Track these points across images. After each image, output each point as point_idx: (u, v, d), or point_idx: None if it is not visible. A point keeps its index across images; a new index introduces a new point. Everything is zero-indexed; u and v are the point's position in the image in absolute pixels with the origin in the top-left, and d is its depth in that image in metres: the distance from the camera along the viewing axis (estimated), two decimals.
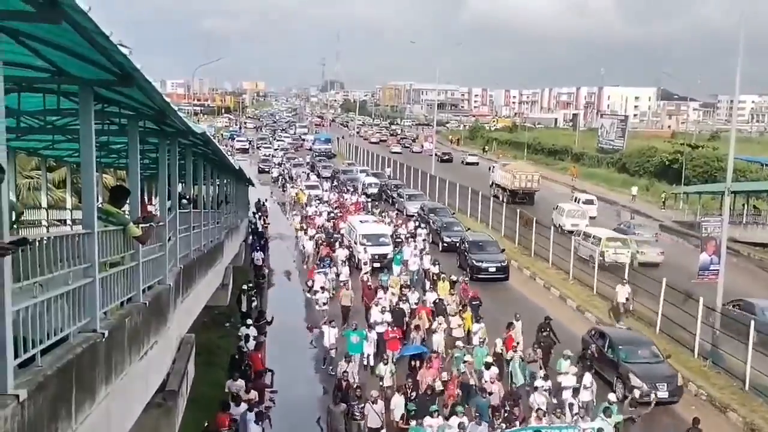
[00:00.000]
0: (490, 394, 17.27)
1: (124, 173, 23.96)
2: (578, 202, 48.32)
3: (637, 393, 18.02)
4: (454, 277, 27.98)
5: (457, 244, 34.56)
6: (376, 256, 31.77)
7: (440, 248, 36.84)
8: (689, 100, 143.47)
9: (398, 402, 16.62)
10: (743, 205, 45.52)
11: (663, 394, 18.57)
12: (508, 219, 40.82)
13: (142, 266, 9.12)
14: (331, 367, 20.52)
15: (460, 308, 23.89)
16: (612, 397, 16.99)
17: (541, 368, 19.41)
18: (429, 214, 42.68)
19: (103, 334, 6.97)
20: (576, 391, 17.80)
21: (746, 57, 22.88)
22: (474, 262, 31.74)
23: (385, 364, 18.64)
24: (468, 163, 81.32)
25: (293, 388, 19.97)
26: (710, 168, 62.73)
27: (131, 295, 8.73)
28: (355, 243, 33.47)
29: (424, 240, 36.34)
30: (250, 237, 37.54)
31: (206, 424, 14.77)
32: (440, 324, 22.00)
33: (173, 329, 11.48)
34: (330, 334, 21.27)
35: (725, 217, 24.60)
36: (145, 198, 21.62)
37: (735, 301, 24.83)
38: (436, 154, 70.40)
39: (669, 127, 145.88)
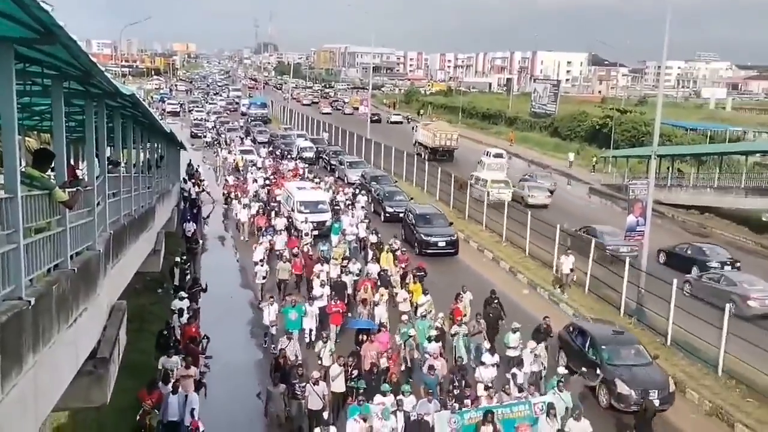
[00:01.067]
0: (433, 369, 16.43)
1: (48, 136, 23.10)
2: (489, 156, 52.12)
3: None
4: (396, 246, 26.68)
5: (402, 216, 33.00)
6: (315, 224, 30.76)
7: (382, 218, 35.56)
8: (619, 66, 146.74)
9: (336, 371, 16.00)
10: (668, 168, 47.04)
11: (654, 402, 15.90)
12: (444, 183, 41.30)
13: (70, 232, 8.88)
14: (273, 346, 19.37)
15: (406, 281, 23.18)
16: (562, 370, 16.45)
17: (485, 340, 18.84)
18: (371, 182, 41.48)
19: (30, 301, 6.79)
20: (521, 364, 17.26)
21: (674, 24, 23.39)
22: (423, 236, 30.20)
23: (325, 342, 17.82)
24: (392, 122, 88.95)
25: (230, 356, 19.56)
26: (638, 132, 64.45)
27: (58, 261, 8.51)
28: (293, 210, 32.50)
29: (363, 208, 35.20)
30: (182, 204, 35.79)
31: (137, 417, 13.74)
32: (382, 296, 21.28)
33: (103, 296, 11.26)
34: (269, 311, 20.36)
35: (651, 180, 25.38)
36: (71, 161, 20.93)
37: (584, 228, 31.49)
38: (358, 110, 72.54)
39: (599, 92, 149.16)
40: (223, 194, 40.59)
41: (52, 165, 9.25)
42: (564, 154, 63.00)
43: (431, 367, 16.39)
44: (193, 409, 14.36)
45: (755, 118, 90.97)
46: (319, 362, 17.25)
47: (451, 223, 31.97)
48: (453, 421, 13.49)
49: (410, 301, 21.61)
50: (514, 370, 16.76)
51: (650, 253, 24.94)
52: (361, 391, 14.90)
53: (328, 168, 52.31)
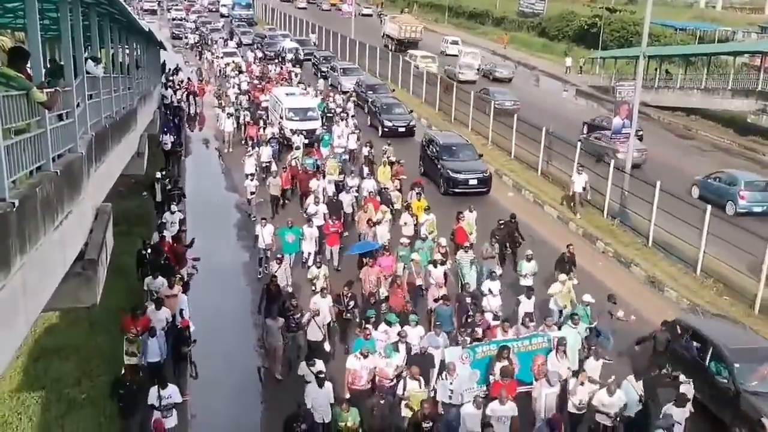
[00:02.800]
0: (439, 300, 14.96)
1: (22, 35, 22.36)
2: (446, 43, 61.49)
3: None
4: (393, 158, 24.88)
5: (423, 145, 28.11)
6: (304, 132, 29.08)
7: (380, 133, 32.50)
8: None
9: (321, 303, 14.48)
10: (656, 69, 46.61)
11: None
12: (429, 85, 40.79)
13: (50, 133, 8.71)
14: (266, 268, 18.02)
15: (405, 202, 21.34)
16: (587, 297, 14.85)
17: (498, 265, 17.69)
18: (367, 91, 38.59)
19: (13, 203, 6.72)
20: (531, 291, 15.55)
21: None
22: (450, 173, 25.28)
23: (318, 266, 16.30)
24: (363, 15, 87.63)
25: (220, 281, 18.45)
26: (627, 33, 63.45)
27: (40, 163, 8.37)
28: (281, 118, 30.92)
29: (353, 116, 33.01)
30: (162, 110, 33.38)
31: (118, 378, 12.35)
32: (384, 213, 19.65)
33: (88, 199, 11.18)
34: (263, 234, 18.58)
35: (638, 82, 25.11)
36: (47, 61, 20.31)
37: (482, 90, 37.98)
38: (338, 9, 73.05)
39: None
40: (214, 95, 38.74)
41: (29, 64, 8.96)
42: (553, 55, 62.06)
43: (445, 298, 14.87)
44: (182, 310, 14.59)
45: (745, 17, 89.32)
46: (313, 288, 15.82)
47: (480, 155, 27.23)
48: (464, 356, 12.30)
49: (414, 222, 19.86)
50: (521, 297, 15.39)
51: (683, 186, 24.39)
52: (371, 320, 13.60)
53: (318, 75, 48.88)
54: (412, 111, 35.91)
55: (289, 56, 52.25)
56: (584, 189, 23.70)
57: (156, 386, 11.38)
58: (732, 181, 24.59)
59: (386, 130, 32.64)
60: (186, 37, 65.69)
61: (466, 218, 19.50)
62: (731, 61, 46.37)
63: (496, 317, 14.47)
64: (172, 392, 11.45)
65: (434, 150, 26.85)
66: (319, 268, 16.28)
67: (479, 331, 13.66)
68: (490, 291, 15.42)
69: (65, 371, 13.50)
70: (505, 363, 12.14)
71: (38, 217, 7.73)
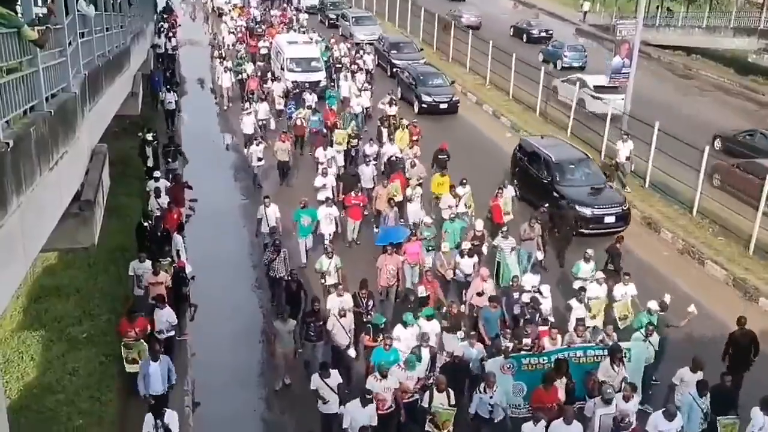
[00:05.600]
0: (496, 302, 12.54)
1: None
2: None
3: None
4: (405, 121, 22.37)
5: (518, 156, 20.42)
6: (306, 84, 26.77)
7: (416, 110, 27.41)
8: None
9: (333, 302, 12.32)
10: (657, 7, 45.78)
11: None
12: (427, 23, 40.07)
13: (43, 72, 8.58)
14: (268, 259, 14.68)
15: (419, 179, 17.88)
16: (653, 305, 12.32)
17: (539, 250, 15.38)
18: (390, 50, 33.28)
19: (8, 143, 6.66)
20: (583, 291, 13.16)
21: None
22: (577, 208, 17.60)
23: (330, 256, 13.93)
24: None
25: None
26: None
27: (34, 103, 8.27)
28: (282, 69, 28.69)
29: (368, 71, 29.55)
30: (153, 62, 29.88)
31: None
32: (415, 188, 17.16)
33: (83, 139, 11.09)
34: (267, 215, 15.83)
35: (640, 20, 24.66)
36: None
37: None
38: None
39: None
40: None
41: (18, 1, 8.76)
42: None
43: (494, 298, 12.61)
44: (178, 251, 14.68)
45: None
46: (322, 282, 13.95)
47: (606, 174, 19.99)
48: (506, 366, 10.78)
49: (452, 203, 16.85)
50: (572, 301, 13.10)
51: (705, 138, 22.64)
52: (381, 327, 11.91)
53: (326, 23, 44.10)
54: (454, 82, 29.96)
55: (309, 2, 47.70)
56: (628, 159, 20.78)
57: (152, 415, 9.76)
58: None
59: (424, 106, 27.29)
60: None
61: (504, 194, 16.94)
62: None
63: (545, 322, 12.20)
64: (169, 420, 9.82)
65: (542, 169, 19.09)
66: (330, 258, 13.93)
67: (527, 341, 11.64)
68: (539, 291, 13.02)
69: (65, 311, 13.60)
70: (564, 380, 10.51)
71: (33, 158, 7.68)
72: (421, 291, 13.16)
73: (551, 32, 41.20)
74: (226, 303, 15.06)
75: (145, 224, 15.40)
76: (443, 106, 27.41)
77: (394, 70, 31.44)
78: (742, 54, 39.38)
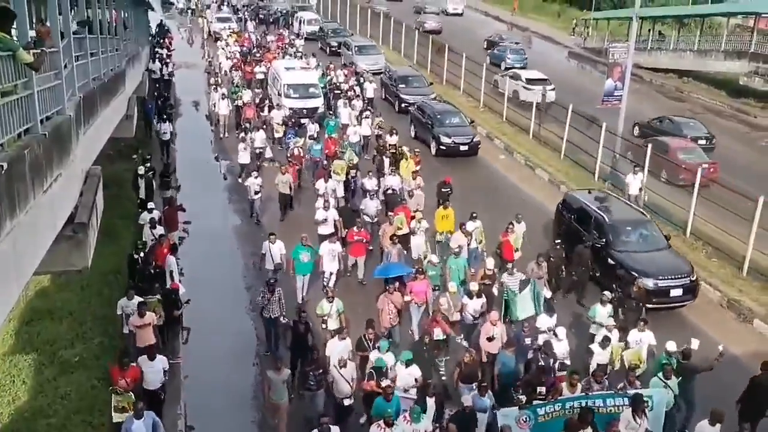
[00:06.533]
0: (514, 345, 12.05)
1: None
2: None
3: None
4: (406, 149, 21.68)
5: (561, 213, 18.29)
6: (304, 111, 26.46)
7: (433, 151, 25.36)
8: None
9: (334, 348, 11.72)
10: (649, 30, 46.25)
11: None
12: (421, 46, 40.39)
13: (38, 95, 8.60)
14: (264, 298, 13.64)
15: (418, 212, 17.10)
16: (671, 346, 11.71)
17: (546, 288, 14.47)
18: (399, 84, 31.17)
19: (2, 166, 6.66)
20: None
21: None
22: (641, 278, 15.22)
23: (330, 300, 13.16)
24: None
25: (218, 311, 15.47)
26: None
27: (29, 126, 8.28)
28: (280, 95, 28.08)
29: (369, 100, 29.03)
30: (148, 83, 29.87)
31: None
32: (420, 222, 16.39)
33: (77, 161, 11.10)
34: (272, 251, 15.33)
35: (632, 43, 25.01)
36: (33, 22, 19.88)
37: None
38: None
39: None
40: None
41: (14, 25, 8.79)
42: (547, 17, 61.23)
43: (510, 344, 11.98)
44: (171, 272, 14.61)
45: None
46: (323, 327, 13.17)
47: (667, 237, 17.10)
48: (523, 418, 10.30)
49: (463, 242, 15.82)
50: (593, 346, 12.37)
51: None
52: (384, 370, 11.26)
53: (327, 51, 43.18)
54: (473, 122, 27.48)
55: (309, 28, 47.13)
56: (640, 190, 20.43)
57: None
58: None
59: (443, 147, 25.02)
60: (176, 2, 62.77)
61: (516, 230, 16.28)
62: (724, 22, 45.94)
63: (562, 367, 11.67)
64: None
65: (593, 229, 16.68)
66: (331, 302, 13.17)
67: (542, 389, 11.01)
68: (555, 333, 12.41)
69: (58, 334, 13.54)
70: (589, 431, 9.87)
71: (27, 180, 7.67)
72: (438, 333, 12.48)
73: (519, 43, 45.73)
74: (219, 325, 14.95)
75: (136, 256, 14.87)
76: (464, 148, 25.07)
77: (403, 105, 30.14)
78: (733, 77, 39.65)
